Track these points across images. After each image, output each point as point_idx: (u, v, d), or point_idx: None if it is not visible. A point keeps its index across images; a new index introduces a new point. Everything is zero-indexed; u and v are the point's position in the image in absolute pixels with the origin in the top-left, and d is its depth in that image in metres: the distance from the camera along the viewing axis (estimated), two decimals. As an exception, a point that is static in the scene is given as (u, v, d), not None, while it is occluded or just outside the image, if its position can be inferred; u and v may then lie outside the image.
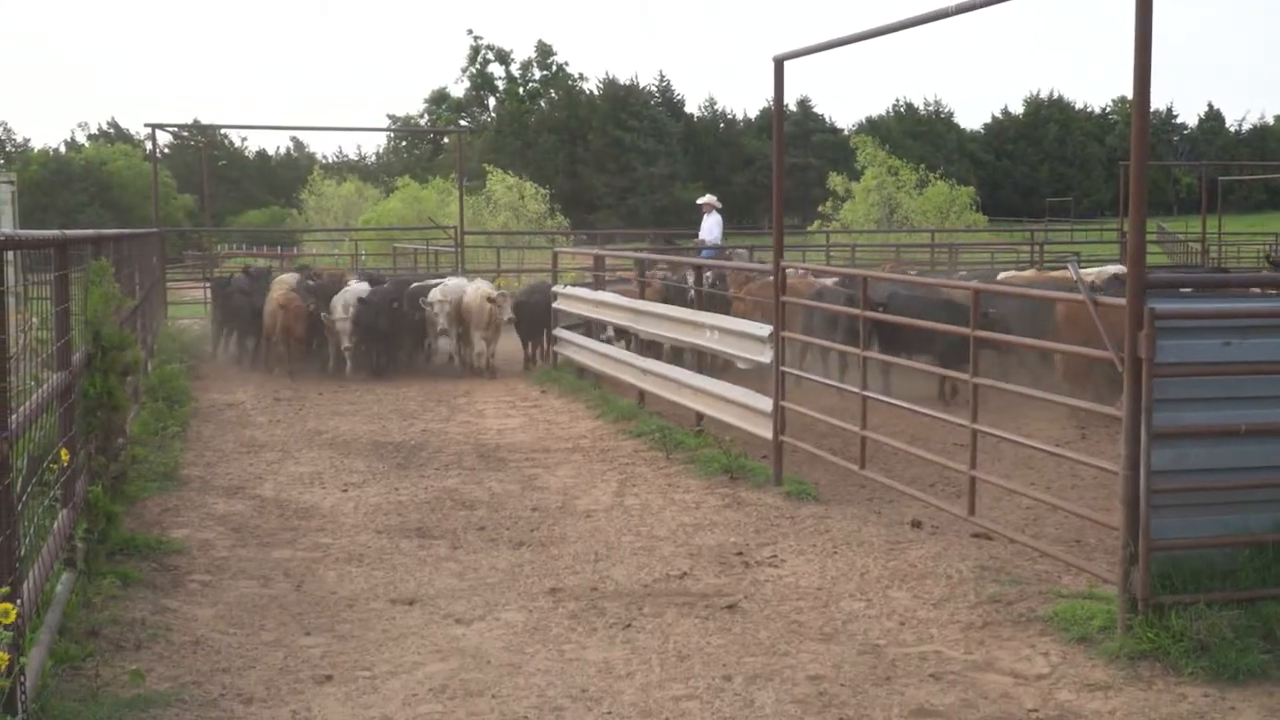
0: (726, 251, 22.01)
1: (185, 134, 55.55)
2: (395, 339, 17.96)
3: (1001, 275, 17.68)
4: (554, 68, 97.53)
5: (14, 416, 5.17)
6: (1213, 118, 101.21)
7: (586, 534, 8.85)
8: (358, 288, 17.65)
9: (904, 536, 8.61)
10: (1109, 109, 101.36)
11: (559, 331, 16.95)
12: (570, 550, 8.43)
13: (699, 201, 22.55)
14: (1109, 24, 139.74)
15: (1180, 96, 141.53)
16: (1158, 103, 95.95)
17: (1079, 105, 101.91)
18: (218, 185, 67.28)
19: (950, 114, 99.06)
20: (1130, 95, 6.23)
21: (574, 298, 16.31)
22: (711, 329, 11.91)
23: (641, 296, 14.39)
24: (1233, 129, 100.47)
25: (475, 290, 17.51)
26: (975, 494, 8.11)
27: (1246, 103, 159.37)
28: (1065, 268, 16.36)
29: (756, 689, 5.92)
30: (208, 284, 20.98)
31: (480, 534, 8.90)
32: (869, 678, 6.04)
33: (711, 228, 21.71)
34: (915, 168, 46.55)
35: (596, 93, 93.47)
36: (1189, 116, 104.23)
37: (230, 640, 6.64)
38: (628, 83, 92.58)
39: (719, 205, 22.01)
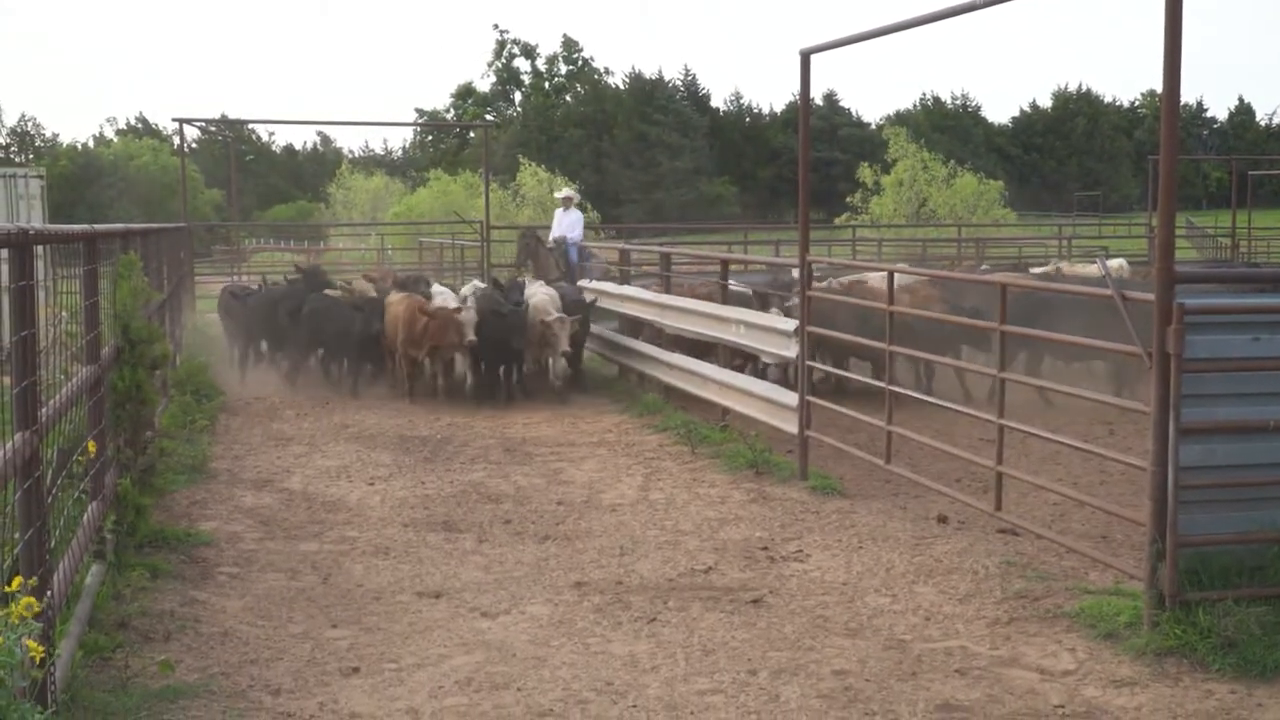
0: (587, 251, 20.11)
1: (213, 129, 55.91)
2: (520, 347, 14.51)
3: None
4: (579, 62, 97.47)
5: (44, 410, 5.21)
6: (1243, 111, 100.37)
7: (611, 528, 8.86)
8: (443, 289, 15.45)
9: (930, 532, 8.59)
10: (1138, 103, 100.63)
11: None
12: (595, 544, 8.44)
13: (558, 195, 20.55)
14: (1137, 17, 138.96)
15: (1210, 90, 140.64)
16: (1187, 96, 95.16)
17: (1107, 99, 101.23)
18: (245, 180, 67.65)
19: (978, 108, 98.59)
20: (1159, 89, 6.19)
21: (599, 293, 16.31)
22: (738, 323, 11.91)
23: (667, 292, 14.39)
24: (1263, 123, 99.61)
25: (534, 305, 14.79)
26: (1002, 489, 8.08)
27: (1277, 97, 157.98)
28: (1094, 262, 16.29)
29: (782, 684, 5.92)
30: (245, 291, 17.39)
31: (506, 528, 8.92)
32: (894, 673, 6.03)
33: (573, 224, 19.74)
34: (945, 161, 46.33)
35: (622, 87, 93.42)
36: (1219, 110, 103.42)
37: (258, 632, 6.68)
38: (653, 77, 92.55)
39: (578, 198, 20.36)
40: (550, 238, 20.06)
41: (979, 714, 5.54)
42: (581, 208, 45.02)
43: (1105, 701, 5.66)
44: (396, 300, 14.89)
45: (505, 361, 14.62)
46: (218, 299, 18.16)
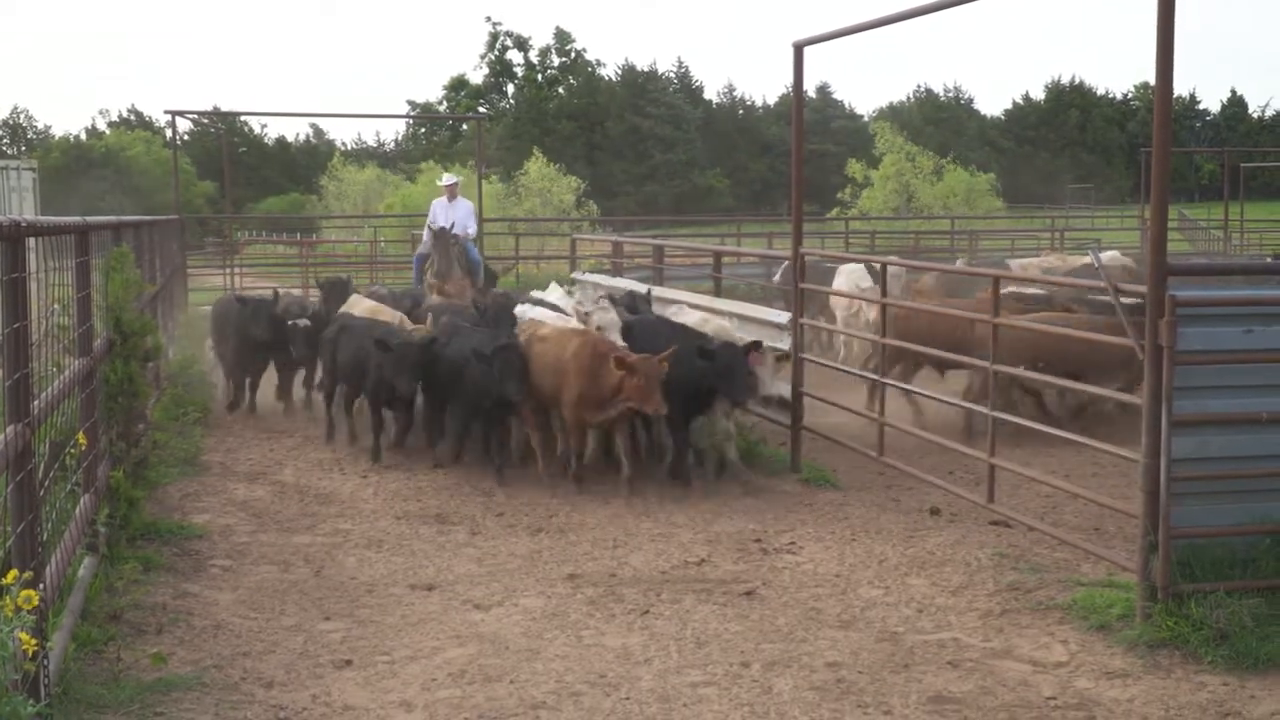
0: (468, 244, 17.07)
1: (205, 121, 55.85)
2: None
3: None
4: (572, 54, 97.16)
5: (36, 402, 5.20)
6: (1235, 104, 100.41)
7: (605, 520, 8.86)
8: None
9: (922, 524, 8.60)
10: (1130, 95, 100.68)
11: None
12: (588, 537, 8.44)
13: (440, 182, 17.61)
14: (1130, 9, 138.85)
15: (1202, 82, 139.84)
16: (1180, 89, 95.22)
17: (1100, 91, 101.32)
18: (238, 172, 67.48)
19: (971, 100, 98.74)
20: (1152, 81, 6.19)
21: (591, 286, 16.29)
22: (730, 316, 11.88)
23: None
24: (1255, 115, 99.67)
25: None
26: (994, 481, 8.09)
27: (1269, 89, 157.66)
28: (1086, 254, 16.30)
29: (774, 676, 5.92)
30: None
31: (499, 520, 8.91)
32: (887, 665, 6.04)
33: (465, 216, 16.73)
34: (931, 155, 46.39)
35: (615, 79, 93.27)
36: (1211, 103, 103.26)
37: (251, 625, 6.68)
38: (646, 69, 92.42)
39: (461, 183, 17.88)
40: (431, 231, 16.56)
41: (971, 706, 5.55)
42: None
43: (1097, 693, 5.67)
44: (558, 336, 9.94)
45: (686, 419, 9.79)
46: (214, 311, 13.96)
